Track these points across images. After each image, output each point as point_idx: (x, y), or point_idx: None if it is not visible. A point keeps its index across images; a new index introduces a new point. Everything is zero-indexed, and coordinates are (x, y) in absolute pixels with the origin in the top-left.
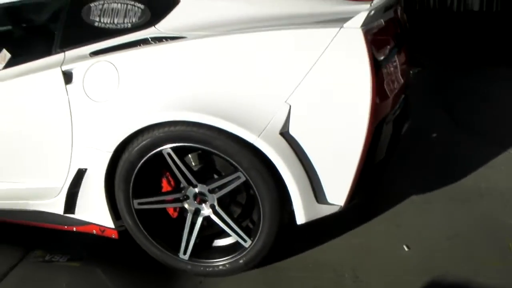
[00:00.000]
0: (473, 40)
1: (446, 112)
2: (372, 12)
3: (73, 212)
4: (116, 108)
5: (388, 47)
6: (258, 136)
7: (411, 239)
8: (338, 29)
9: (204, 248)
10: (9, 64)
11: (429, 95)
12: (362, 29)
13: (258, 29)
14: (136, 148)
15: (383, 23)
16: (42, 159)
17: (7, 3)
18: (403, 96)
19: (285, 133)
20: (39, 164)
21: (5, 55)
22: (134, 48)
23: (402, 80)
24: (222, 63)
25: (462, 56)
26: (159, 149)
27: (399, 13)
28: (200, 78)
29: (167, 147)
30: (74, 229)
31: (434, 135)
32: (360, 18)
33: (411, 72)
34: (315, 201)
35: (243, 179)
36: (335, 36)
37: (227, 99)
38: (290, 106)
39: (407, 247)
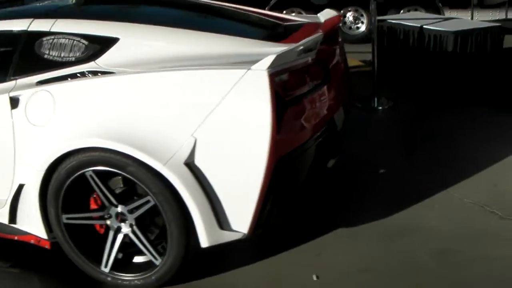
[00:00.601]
0: (449, 80)
1: (404, 149)
2: (283, 54)
3: (15, 223)
4: (50, 132)
5: (305, 85)
6: (164, 165)
7: (324, 269)
8: (245, 70)
9: (124, 264)
10: None
11: (394, 131)
12: (268, 71)
13: (173, 69)
14: (64, 169)
15: (300, 63)
16: None
17: None
18: (324, 127)
19: (190, 163)
20: None
21: None
22: (68, 80)
23: (324, 113)
24: (138, 98)
25: (436, 95)
26: (82, 171)
27: (331, 52)
28: (119, 110)
29: (89, 170)
30: (16, 238)
31: (382, 170)
32: (268, 61)
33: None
34: (217, 227)
35: (152, 203)
36: (242, 77)
37: (140, 130)
38: (195, 139)
39: (317, 277)
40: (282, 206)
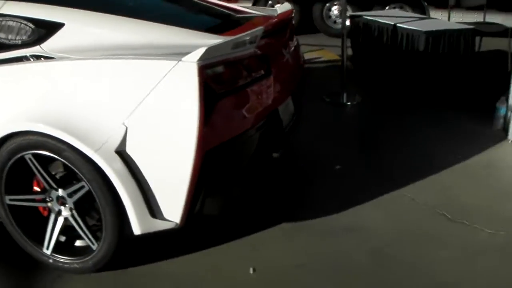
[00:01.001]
0: (419, 80)
1: (364, 147)
2: (215, 47)
3: None
4: None
5: (240, 79)
6: (95, 152)
7: (261, 263)
8: (176, 62)
9: (66, 247)
10: None
11: (357, 128)
12: (198, 63)
13: (108, 57)
14: (5, 151)
15: (237, 56)
16: None
17: None
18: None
19: (121, 152)
20: None
21: None
22: (12, 63)
23: (263, 106)
24: (74, 84)
25: (406, 94)
26: (22, 153)
27: (276, 45)
28: (56, 95)
29: (28, 153)
30: None
31: (338, 167)
32: (198, 53)
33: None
34: (149, 215)
35: (87, 188)
36: (172, 68)
37: (75, 116)
38: (126, 128)
39: (253, 269)
40: (218, 198)
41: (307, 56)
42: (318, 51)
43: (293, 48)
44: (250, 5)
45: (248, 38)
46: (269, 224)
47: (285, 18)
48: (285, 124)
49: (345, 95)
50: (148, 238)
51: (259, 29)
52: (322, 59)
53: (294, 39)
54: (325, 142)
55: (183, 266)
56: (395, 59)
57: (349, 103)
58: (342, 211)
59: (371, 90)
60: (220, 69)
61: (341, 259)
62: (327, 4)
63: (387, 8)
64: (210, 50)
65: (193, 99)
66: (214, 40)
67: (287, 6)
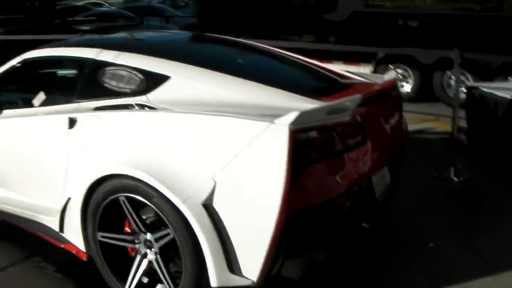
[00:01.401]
0: None
1: (466, 227)
2: (309, 112)
3: (63, 231)
4: (95, 155)
5: (333, 145)
6: (183, 202)
7: None
8: (268, 123)
9: (148, 286)
10: (42, 104)
11: (461, 206)
12: (290, 127)
13: (205, 113)
14: (101, 191)
15: (332, 122)
16: (48, 183)
17: (50, 56)
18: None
19: (208, 205)
20: (47, 187)
21: (41, 96)
22: (118, 109)
23: (355, 175)
24: (171, 135)
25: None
26: (116, 195)
27: (375, 114)
28: (154, 144)
29: (122, 195)
30: (62, 245)
31: (431, 244)
32: (291, 116)
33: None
34: (227, 270)
35: (172, 235)
36: (264, 129)
37: (168, 166)
38: (215, 183)
39: None
40: (299, 261)
41: (419, 126)
42: (432, 121)
43: (394, 117)
44: (370, 69)
45: (344, 105)
46: None
47: (388, 87)
48: (378, 195)
49: (452, 169)
50: None
51: (356, 97)
52: (435, 130)
53: (397, 107)
54: (424, 217)
55: None
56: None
57: (456, 178)
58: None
59: (482, 167)
60: (313, 134)
61: None
62: (448, 72)
63: (509, 78)
64: (303, 115)
65: (282, 161)
66: (311, 104)
67: (392, 75)
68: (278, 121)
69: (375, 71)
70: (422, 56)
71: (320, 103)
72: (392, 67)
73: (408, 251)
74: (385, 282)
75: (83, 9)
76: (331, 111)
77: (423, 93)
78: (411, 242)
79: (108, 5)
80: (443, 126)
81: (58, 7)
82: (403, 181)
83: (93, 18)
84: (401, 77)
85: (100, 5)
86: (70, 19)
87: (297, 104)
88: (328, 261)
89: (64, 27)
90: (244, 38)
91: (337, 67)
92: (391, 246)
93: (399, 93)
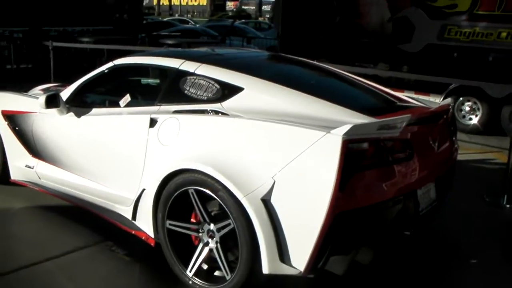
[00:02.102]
0: None
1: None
2: (361, 126)
3: (135, 219)
4: (171, 151)
5: (381, 157)
6: (244, 196)
7: None
8: (325, 133)
9: (207, 273)
10: (127, 105)
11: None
12: (343, 137)
13: (272, 121)
14: (174, 183)
15: (383, 137)
16: (126, 175)
17: (138, 63)
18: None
19: (266, 200)
20: (124, 178)
21: (127, 98)
22: (195, 113)
23: (400, 185)
24: (239, 139)
25: None
26: (186, 188)
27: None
28: (223, 145)
29: (191, 188)
30: (133, 232)
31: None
32: (345, 128)
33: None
34: (278, 260)
35: (232, 226)
36: (321, 137)
37: (234, 164)
38: (274, 181)
39: None
40: (344, 259)
41: (481, 156)
42: (495, 153)
43: (444, 139)
44: (439, 100)
45: (394, 123)
46: None
47: (440, 111)
48: (422, 207)
49: (505, 196)
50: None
51: (406, 117)
52: (496, 161)
53: (449, 131)
54: (469, 238)
55: None
56: None
57: (508, 205)
58: None
59: None
60: (364, 145)
61: None
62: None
63: None
64: (356, 128)
65: (333, 166)
66: (364, 120)
67: (447, 102)
68: (333, 131)
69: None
70: (492, 90)
71: (372, 120)
72: (462, 99)
73: (448, 264)
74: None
75: (168, 24)
76: (382, 127)
77: (490, 126)
78: (451, 259)
79: (192, 23)
80: (504, 158)
81: (145, 22)
82: (455, 202)
83: (177, 33)
84: (470, 109)
85: (185, 22)
86: (155, 33)
87: (352, 119)
88: (372, 262)
89: (150, 40)
90: (321, 62)
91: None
92: (432, 257)
93: (453, 118)
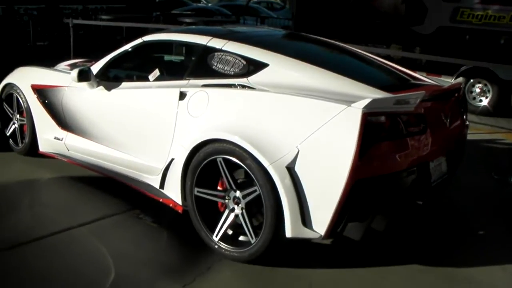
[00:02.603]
0: None
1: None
2: (379, 100)
3: (163, 188)
4: (200, 123)
5: (397, 129)
6: (270, 164)
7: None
8: (346, 106)
9: (232, 238)
10: (156, 79)
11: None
12: (363, 110)
13: (298, 94)
14: (203, 152)
15: (399, 111)
16: (155, 146)
17: (167, 39)
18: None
19: (290, 168)
20: (153, 150)
21: (156, 73)
22: (224, 87)
23: (413, 157)
24: (266, 110)
25: None
26: (215, 156)
27: (437, 110)
28: (251, 116)
29: (220, 157)
30: (161, 200)
31: (481, 232)
32: (365, 102)
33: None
34: (301, 224)
35: (258, 192)
36: (343, 110)
37: (261, 134)
38: (298, 151)
39: None
40: (361, 225)
41: (490, 136)
42: (504, 133)
43: (455, 115)
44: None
45: (409, 98)
46: (404, 261)
47: (451, 90)
48: (434, 179)
49: None
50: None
51: (420, 93)
52: (505, 141)
53: (460, 108)
54: (477, 211)
55: (314, 274)
56: None
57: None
58: (474, 266)
59: None
60: (382, 118)
61: None
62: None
63: None
64: (375, 102)
65: (353, 137)
66: (382, 95)
67: (458, 81)
68: (354, 105)
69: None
70: (503, 72)
71: (389, 95)
72: (472, 80)
73: (456, 234)
74: (437, 254)
75: (181, 3)
76: (398, 101)
77: (500, 108)
78: (460, 227)
79: (204, 2)
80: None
81: (157, 0)
82: (464, 179)
83: (191, 12)
84: (480, 91)
85: (198, 0)
86: (168, 12)
87: (371, 94)
88: (387, 230)
89: (164, 18)
90: (335, 41)
91: None
92: (441, 228)
93: (464, 96)
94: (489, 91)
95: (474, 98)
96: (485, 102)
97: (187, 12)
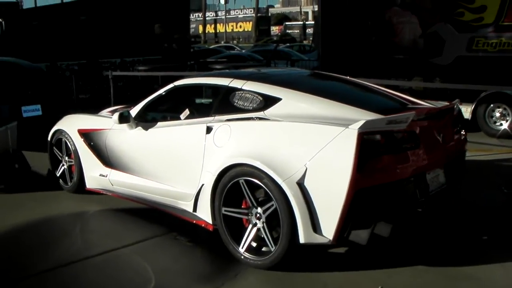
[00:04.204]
0: None
1: None
2: (372, 121)
3: (196, 211)
4: (224, 151)
5: (391, 145)
6: (283, 181)
7: (389, 285)
8: (344, 128)
9: (255, 249)
10: (186, 118)
11: None
12: (358, 130)
13: (303, 122)
14: (228, 176)
15: (392, 130)
16: (187, 175)
17: (194, 83)
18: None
19: (300, 183)
20: (186, 178)
21: (186, 112)
22: (243, 120)
23: (409, 168)
24: (278, 136)
25: None
26: (238, 179)
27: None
28: (265, 143)
29: (241, 179)
30: (194, 221)
31: (485, 237)
32: (360, 123)
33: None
34: (312, 231)
35: (274, 206)
36: (341, 132)
37: (275, 156)
38: (306, 168)
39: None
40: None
41: (506, 156)
42: None
43: (450, 132)
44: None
45: (400, 118)
46: (409, 262)
47: (445, 109)
48: (432, 189)
49: None
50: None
51: (410, 113)
52: None
53: (454, 125)
54: (484, 221)
55: (328, 276)
56: None
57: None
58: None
59: None
60: (377, 136)
61: None
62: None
63: None
64: (368, 123)
65: (351, 152)
66: (376, 117)
67: (454, 102)
68: (351, 126)
69: (475, 110)
70: None
71: (382, 116)
72: (492, 106)
73: (460, 238)
74: (439, 255)
75: (215, 51)
76: (390, 121)
77: None
78: (464, 233)
79: (238, 49)
80: None
81: (192, 50)
82: (474, 191)
83: (224, 59)
84: (500, 115)
85: (231, 48)
86: (203, 60)
87: (367, 117)
88: (391, 235)
89: (198, 66)
90: (359, 78)
91: None
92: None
93: (460, 114)
94: (508, 114)
95: (495, 122)
96: (505, 125)
97: (220, 60)
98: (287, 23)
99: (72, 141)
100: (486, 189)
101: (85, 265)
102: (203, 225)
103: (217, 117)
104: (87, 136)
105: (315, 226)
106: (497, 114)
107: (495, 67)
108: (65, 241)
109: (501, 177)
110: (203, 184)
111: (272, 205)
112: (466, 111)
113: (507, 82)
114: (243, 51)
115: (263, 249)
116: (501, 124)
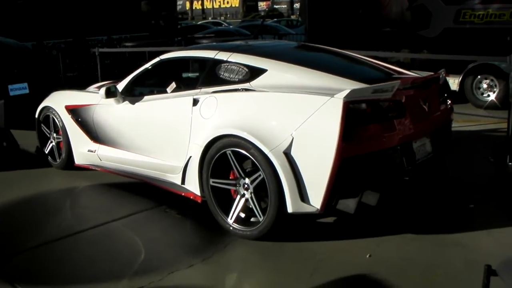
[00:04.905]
0: None
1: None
2: (358, 90)
3: (184, 183)
4: (211, 123)
5: (377, 114)
6: (270, 151)
7: (378, 254)
8: (329, 97)
9: (244, 220)
10: (173, 91)
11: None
12: (343, 99)
13: (289, 92)
14: (215, 147)
15: (377, 99)
16: (175, 148)
17: (180, 56)
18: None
19: (287, 153)
20: (174, 151)
21: (173, 85)
22: (229, 92)
23: (395, 137)
24: (264, 107)
25: None
26: (225, 150)
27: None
28: (252, 113)
29: (229, 150)
30: (183, 194)
31: (471, 206)
32: (345, 92)
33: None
34: (299, 200)
35: (262, 176)
36: (327, 101)
37: (261, 127)
38: (293, 138)
39: (369, 255)
40: (354, 199)
41: (494, 126)
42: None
43: (435, 100)
44: (458, 80)
45: (385, 87)
46: (397, 230)
47: (430, 79)
48: (418, 157)
49: (508, 156)
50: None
51: (395, 82)
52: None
53: (440, 94)
54: (471, 188)
55: (317, 245)
56: None
57: (510, 163)
58: (461, 232)
59: None
60: (363, 105)
61: (441, 266)
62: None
63: None
64: (354, 92)
65: (337, 121)
66: (361, 86)
67: (440, 72)
68: (336, 95)
69: (463, 81)
70: (506, 66)
71: (367, 85)
72: (480, 76)
73: (447, 206)
74: (425, 222)
75: (202, 27)
76: (375, 91)
77: (507, 102)
78: (450, 203)
79: (226, 24)
80: None
81: (179, 26)
82: (461, 161)
83: (211, 35)
84: (487, 87)
85: (218, 24)
86: (190, 35)
87: (353, 86)
88: (379, 204)
89: (186, 42)
90: (347, 50)
91: None
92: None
93: (446, 84)
94: (495, 86)
95: (482, 94)
96: (492, 97)
97: (208, 35)
98: None
99: (60, 117)
100: (473, 159)
101: (77, 239)
102: (191, 197)
103: (204, 89)
104: (75, 112)
105: (303, 195)
106: (485, 86)
107: (482, 39)
108: (57, 217)
109: (488, 147)
110: (190, 157)
111: (260, 175)
112: (454, 82)
113: (494, 54)
114: (231, 26)
115: (252, 219)
116: (488, 96)
